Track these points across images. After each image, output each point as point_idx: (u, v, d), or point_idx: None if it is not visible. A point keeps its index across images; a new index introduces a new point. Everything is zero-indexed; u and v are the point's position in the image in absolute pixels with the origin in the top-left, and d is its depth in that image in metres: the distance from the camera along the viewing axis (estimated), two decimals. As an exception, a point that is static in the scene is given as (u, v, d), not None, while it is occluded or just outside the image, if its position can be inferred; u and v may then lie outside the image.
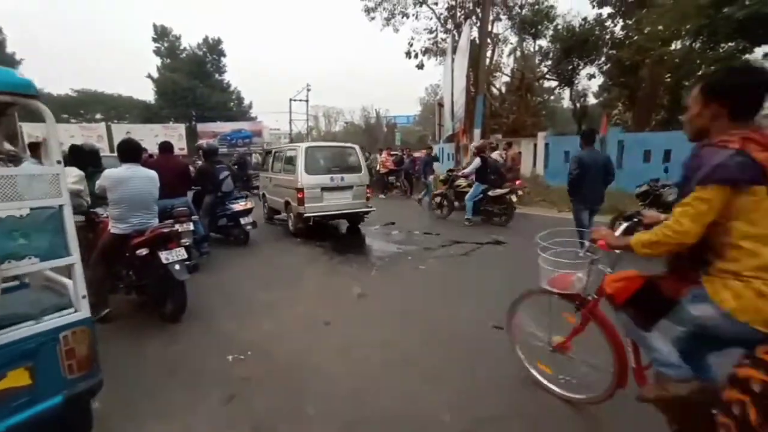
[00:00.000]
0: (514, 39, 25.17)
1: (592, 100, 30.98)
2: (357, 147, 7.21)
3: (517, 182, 8.21)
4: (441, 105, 20.33)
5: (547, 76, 26.92)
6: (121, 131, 19.77)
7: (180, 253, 3.36)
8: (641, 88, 20.66)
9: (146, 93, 38.63)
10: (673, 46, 20.02)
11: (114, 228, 3.39)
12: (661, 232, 1.41)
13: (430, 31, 22.45)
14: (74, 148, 4.62)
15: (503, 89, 26.63)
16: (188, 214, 4.42)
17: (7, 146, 2.90)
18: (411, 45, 22.16)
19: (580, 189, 4.80)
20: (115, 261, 3.50)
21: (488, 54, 21.21)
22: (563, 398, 2.23)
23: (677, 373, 1.52)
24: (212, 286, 4.30)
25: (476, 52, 15.90)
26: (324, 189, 6.39)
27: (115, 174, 3.37)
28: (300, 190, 6.19)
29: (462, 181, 8.46)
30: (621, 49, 21.48)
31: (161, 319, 3.43)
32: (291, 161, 6.68)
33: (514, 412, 2.17)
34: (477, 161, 7.48)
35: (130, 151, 3.55)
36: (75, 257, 1.71)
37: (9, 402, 1.50)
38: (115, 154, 3.61)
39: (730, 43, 13.34)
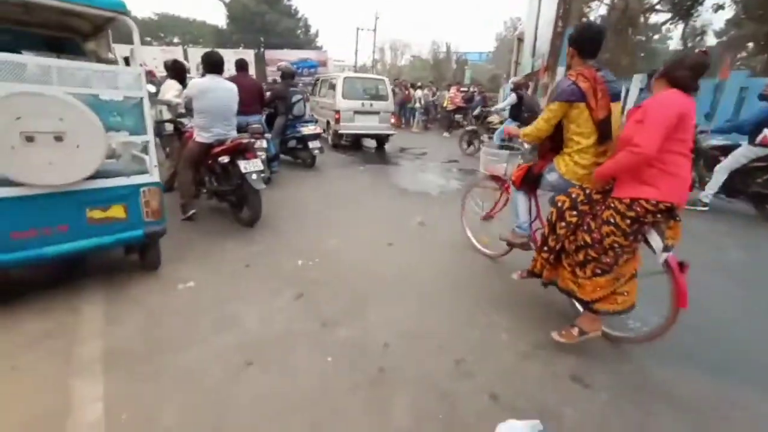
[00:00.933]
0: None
1: (710, 40, 25.84)
2: (386, 79, 8.64)
3: None
4: (521, 40, 18.26)
5: (658, 7, 22.64)
6: (196, 55, 20.54)
7: (257, 164, 3.55)
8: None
9: (219, 18, 38.98)
10: None
11: (198, 137, 3.63)
12: (532, 127, 2.36)
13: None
14: (175, 64, 4.83)
15: (598, 21, 22.98)
16: (262, 131, 4.59)
17: (110, 55, 3.17)
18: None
19: None
20: (199, 168, 3.81)
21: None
22: (493, 257, 3.26)
23: (521, 232, 2.70)
24: (283, 200, 4.57)
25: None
26: (356, 112, 7.71)
27: (201, 83, 3.52)
28: (337, 111, 7.60)
29: (494, 118, 8.30)
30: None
31: (238, 223, 3.75)
32: (332, 87, 7.91)
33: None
34: (512, 97, 6.88)
35: (214, 63, 3.64)
36: (150, 137, 2.44)
37: (113, 225, 2.38)
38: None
39: None
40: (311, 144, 6.04)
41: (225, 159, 3.55)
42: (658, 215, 1.84)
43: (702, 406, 1.80)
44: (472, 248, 3.44)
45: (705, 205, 4.91)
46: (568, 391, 1.84)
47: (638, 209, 1.82)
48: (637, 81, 11.53)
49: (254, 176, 3.47)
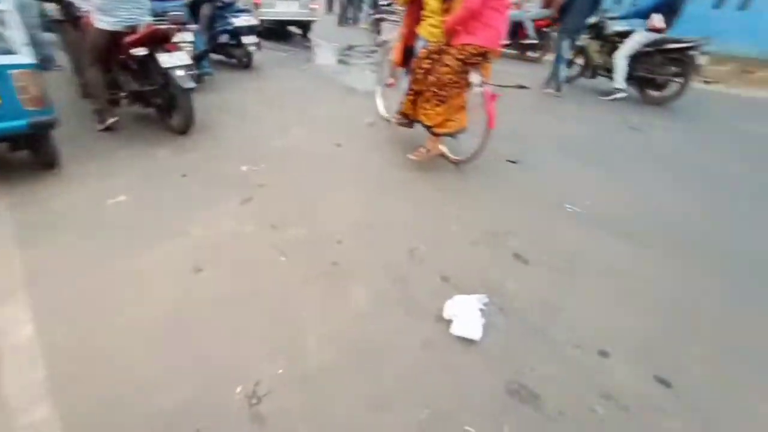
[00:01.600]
0: None
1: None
2: None
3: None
4: None
5: None
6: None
7: (181, 58, 3.03)
8: None
9: None
10: None
11: (99, 22, 2.96)
12: None
13: None
14: None
15: None
16: (183, 21, 3.86)
17: None
18: None
19: (568, 14, 4.85)
20: (109, 64, 3.20)
21: None
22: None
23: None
24: (220, 103, 4.10)
25: None
26: (276, -2, 7.39)
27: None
28: (257, -3, 7.14)
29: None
30: None
31: (169, 131, 3.35)
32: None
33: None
34: None
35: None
36: (7, 5, 2.17)
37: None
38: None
39: None
40: (246, 39, 5.26)
41: (140, 51, 2.98)
42: (479, 57, 2.51)
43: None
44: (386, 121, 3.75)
45: (620, 90, 5.09)
46: (511, 268, 2.01)
47: (465, 53, 2.48)
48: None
49: (180, 72, 2.97)
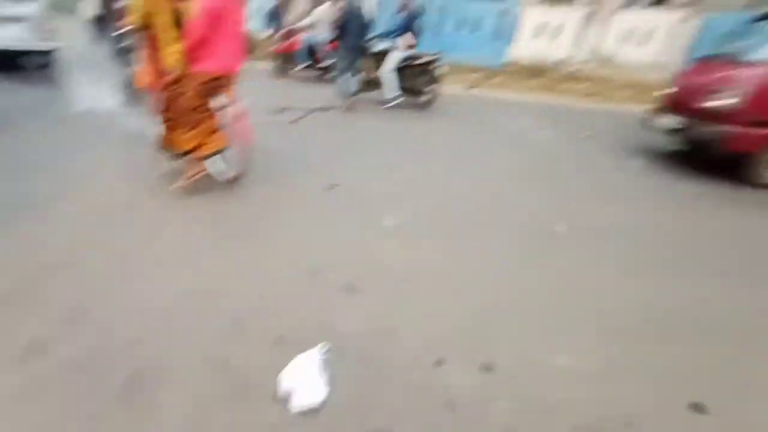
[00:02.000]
0: None
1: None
2: None
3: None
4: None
5: None
6: None
7: None
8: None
9: None
10: None
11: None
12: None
13: None
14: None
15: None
16: None
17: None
18: None
19: (343, 38, 5.37)
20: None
21: None
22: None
23: None
24: None
25: None
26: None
27: None
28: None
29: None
30: None
31: None
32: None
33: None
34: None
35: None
36: None
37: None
38: None
39: None
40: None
41: None
42: (217, 82, 2.70)
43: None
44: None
45: (395, 98, 5.97)
46: (342, 302, 1.97)
47: (202, 79, 2.62)
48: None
49: None
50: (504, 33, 10.96)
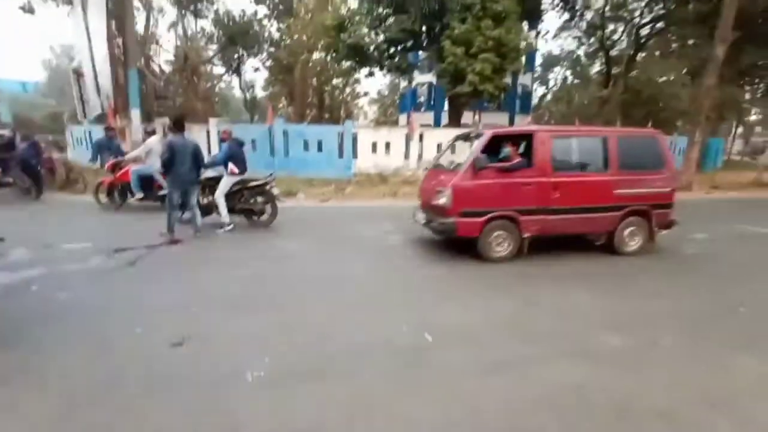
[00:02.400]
0: (174, 12, 22.64)
1: (260, 92, 33.16)
2: None
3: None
4: (79, 74, 15.39)
5: (214, 61, 26.26)
6: None
7: None
8: (296, 87, 23.97)
9: None
10: (316, 55, 24.54)
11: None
12: None
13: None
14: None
15: (167, 68, 23.63)
16: None
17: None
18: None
19: (171, 170, 5.37)
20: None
21: (139, 20, 17.89)
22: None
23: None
24: None
25: (121, 12, 12.92)
26: None
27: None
28: None
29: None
30: (278, 49, 24.06)
31: None
32: None
33: None
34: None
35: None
36: None
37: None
38: None
39: (347, 61, 17.69)
40: None
41: None
42: None
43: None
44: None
45: (228, 224, 6.02)
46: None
47: None
48: (213, 124, 12.80)
49: None
50: (347, 150, 12.57)
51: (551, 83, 38.90)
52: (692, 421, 2.05)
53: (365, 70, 17.85)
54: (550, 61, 36.73)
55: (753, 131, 38.19)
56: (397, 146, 12.90)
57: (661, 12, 20.81)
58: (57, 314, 3.17)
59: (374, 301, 3.63)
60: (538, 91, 37.73)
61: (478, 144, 4.65)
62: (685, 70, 21.81)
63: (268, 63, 26.00)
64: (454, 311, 3.38)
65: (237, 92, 33.51)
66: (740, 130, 34.32)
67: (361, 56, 16.13)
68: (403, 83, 27.13)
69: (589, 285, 4.05)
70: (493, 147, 4.74)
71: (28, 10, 15.72)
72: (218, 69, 27.85)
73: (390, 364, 2.56)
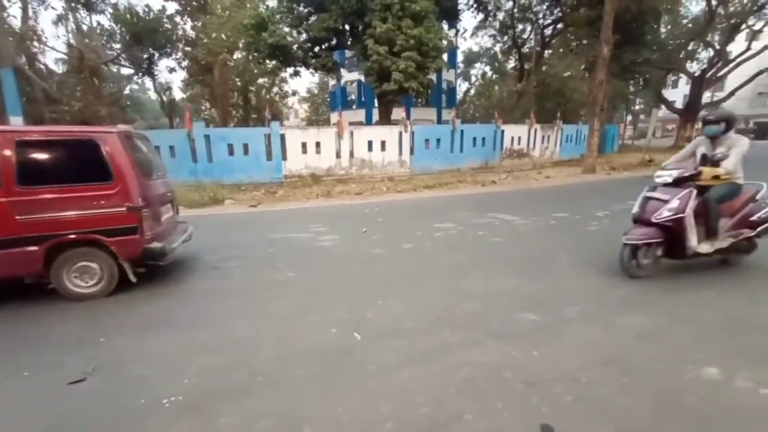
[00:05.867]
0: (60, 5, 19.98)
1: (179, 94, 30.71)
2: None
3: None
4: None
5: (119, 61, 23.75)
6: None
7: None
8: (217, 88, 22.60)
9: None
10: (237, 55, 23.27)
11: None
12: None
13: None
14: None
15: (58, 69, 20.86)
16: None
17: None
18: None
19: None
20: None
21: (12, 12, 15.53)
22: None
23: None
24: None
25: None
26: None
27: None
28: None
29: None
30: (195, 48, 22.40)
31: None
32: None
33: None
34: None
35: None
36: None
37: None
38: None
39: (271, 61, 17.05)
40: None
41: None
42: None
43: None
44: None
45: None
46: None
47: None
48: (140, 125, 11.57)
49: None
50: (275, 152, 12.13)
51: (473, 79, 41.40)
52: (589, 380, 2.30)
53: (290, 70, 17.36)
54: (471, 58, 39.11)
55: (639, 119, 44.34)
56: (328, 145, 12.76)
57: (560, 15, 23.20)
58: None
59: (304, 304, 3.55)
60: (462, 86, 39.93)
61: None
62: (583, 66, 24.46)
63: (184, 63, 24.13)
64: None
65: (153, 95, 30.71)
66: (629, 117, 39.50)
67: (284, 55, 15.65)
68: (332, 81, 26.92)
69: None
70: None
71: None
72: (126, 70, 25.27)
73: (318, 368, 2.52)
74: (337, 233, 6.10)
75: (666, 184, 3.72)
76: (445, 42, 16.18)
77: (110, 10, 20.64)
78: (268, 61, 17.08)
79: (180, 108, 27.82)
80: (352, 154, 13.10)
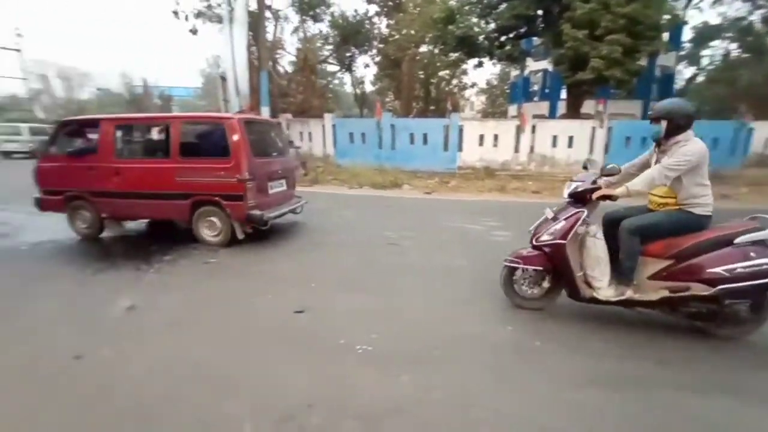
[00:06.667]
0: (296, 18, 25.16)
1: (370, 87, 34.75)
2: None
3: None
4: (224, 78, 18.37)
5: (329, 60, 28.39)
6: None
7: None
8: (403, 81, 24.43)
9: None
10: (423, 48, 24.66)
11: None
12: None
13: (202, -8, 19.58)
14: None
15: (290, 69, 26.40)
16: None
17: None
18: (178, 3, 18.71)
19: None
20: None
21: (269, 29, 20.38)
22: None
23: None
24: None
25: (255, 25, 14.91)
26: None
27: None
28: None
29: None
30: (386, 45, 24.85)
31: None
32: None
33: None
34: None
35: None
36: None
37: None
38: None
39: (455, 53, 17.31)
40: None
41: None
42: None
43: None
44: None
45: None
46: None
47: None
48: (329, 118, 13.90)
49: None
50: (452, 143, 12.42)
51: (706, 61, 31.88)
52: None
53: (474, 61, 17.26)
54: (706, 34, 30.02)
55: None
56: (506, 139, 12.24)
57: None
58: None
59: (477, 291, 3.55)
60: (685, 72, 31.49)
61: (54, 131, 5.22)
62: None
63: (377, 59, 27.08)
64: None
65: (348, 88, 35.67)
66: None
67: (470, 47, 15.63)
68: (515, 72, 25.48)
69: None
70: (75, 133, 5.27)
71: (194, 31, 19.36)
72: (333, 67, 30.04)
73: (488, 356, 2.50)
74: (511, 230, 5.83)
75: (570, 199, 2.99)
76: (667, 17, 13.02)
77: (329, 18, 24.79)
78: (452, 53, 17.41)
79: (369, 100, 31.48)
80: (532, 149, 12.22)
